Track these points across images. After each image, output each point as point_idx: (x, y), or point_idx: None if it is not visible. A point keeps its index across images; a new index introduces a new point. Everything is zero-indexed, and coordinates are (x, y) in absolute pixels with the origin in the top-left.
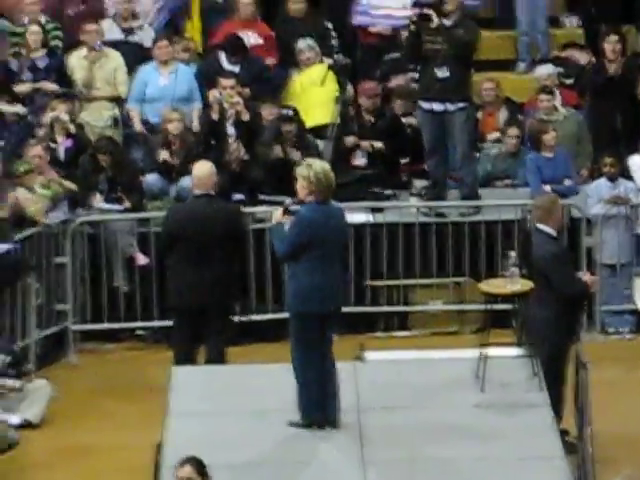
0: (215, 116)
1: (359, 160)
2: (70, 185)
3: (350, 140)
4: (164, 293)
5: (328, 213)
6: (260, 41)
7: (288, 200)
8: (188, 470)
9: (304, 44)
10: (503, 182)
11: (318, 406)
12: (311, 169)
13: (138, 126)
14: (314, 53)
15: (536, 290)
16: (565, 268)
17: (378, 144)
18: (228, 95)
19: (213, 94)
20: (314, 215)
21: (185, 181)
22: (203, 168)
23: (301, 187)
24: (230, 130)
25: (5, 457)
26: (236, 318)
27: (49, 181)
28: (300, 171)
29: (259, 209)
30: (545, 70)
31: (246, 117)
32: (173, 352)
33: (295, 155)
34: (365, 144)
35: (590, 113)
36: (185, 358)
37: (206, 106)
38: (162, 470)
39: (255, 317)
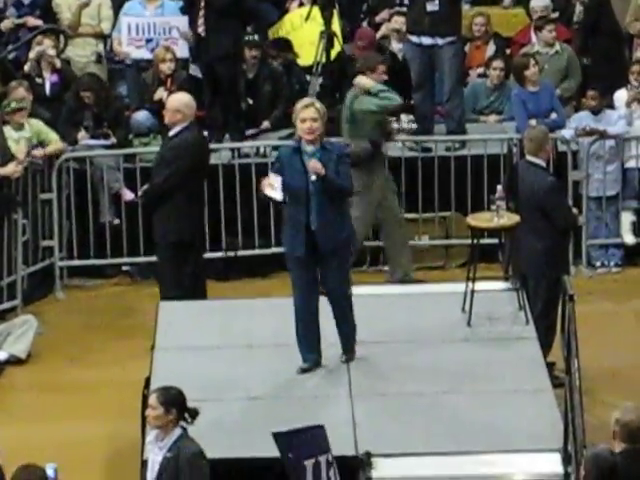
0: None
1: None
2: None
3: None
4: (150, 229)
5: None
6: None
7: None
8: (152, 398)
9: None
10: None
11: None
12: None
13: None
14: None
15: (528, 223)
16: (562, 199)
17: None
18: None
19: None
20: None
21: None
22: (186, 97)
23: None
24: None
25: None
26: (223, 254)
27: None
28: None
29: (245, 144)
30: (541, 2)
31: None
32: (165, 288)
33: None
34: None
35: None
36: (187, 294)
37: None
38: None
39: (242, 252)
